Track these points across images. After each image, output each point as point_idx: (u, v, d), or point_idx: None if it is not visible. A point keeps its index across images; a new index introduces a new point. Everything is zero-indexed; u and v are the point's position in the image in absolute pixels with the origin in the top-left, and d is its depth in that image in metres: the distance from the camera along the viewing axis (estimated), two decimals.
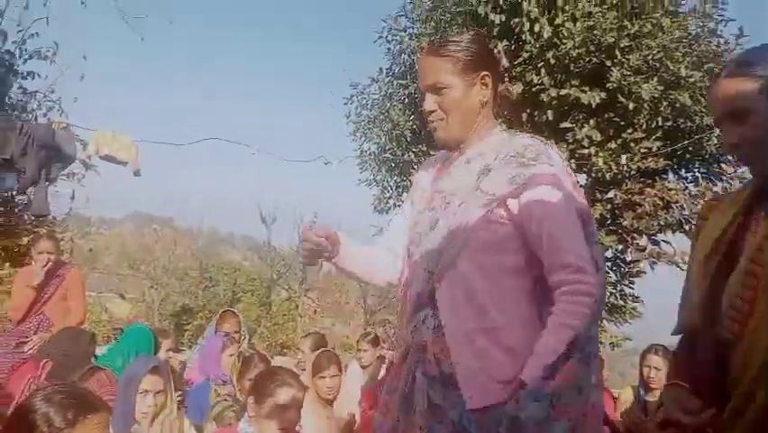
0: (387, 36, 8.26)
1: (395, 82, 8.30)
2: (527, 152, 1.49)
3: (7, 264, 7.49)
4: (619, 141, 6.83)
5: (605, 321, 7.48)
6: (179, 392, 3.28)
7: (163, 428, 2.52)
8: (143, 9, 9.50)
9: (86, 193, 8.50)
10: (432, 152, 7.57)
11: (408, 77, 8.10)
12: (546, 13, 6.75)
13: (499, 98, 1.63)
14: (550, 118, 6.87)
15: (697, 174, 7.65)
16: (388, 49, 8.34)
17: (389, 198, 8.71)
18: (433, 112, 1.56)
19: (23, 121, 6.01)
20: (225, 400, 3.26)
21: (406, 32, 8.23)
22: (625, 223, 7.12)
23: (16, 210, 7.76)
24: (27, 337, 4.01)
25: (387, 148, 8.45)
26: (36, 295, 4.05)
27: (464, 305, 1.45)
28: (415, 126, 8.10)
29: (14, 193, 6.97)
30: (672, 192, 7.00)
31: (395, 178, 8.70)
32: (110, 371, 3.01)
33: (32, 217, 7.40)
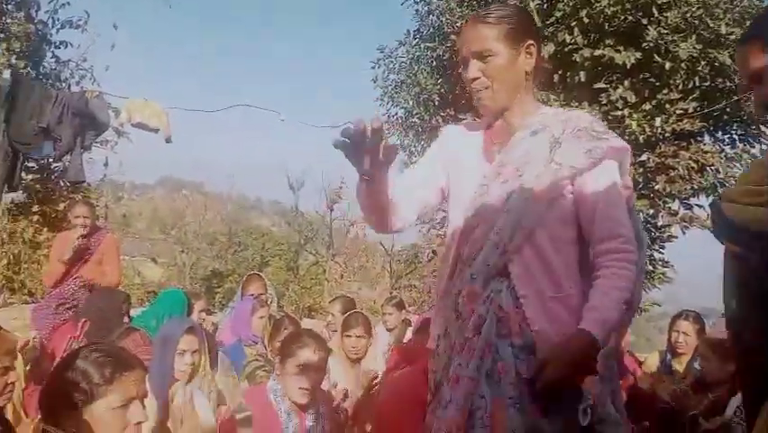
0: None
1: (423, 45, 8.17)
2: (595, 125, 1.56)
3: (45, 229, 7.74)
4: (654, 102, 6.63)
5: None
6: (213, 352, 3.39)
7: (201, 385, 2.61)
8: None
9: (118, 159, 8.68)
10: (461, 117, 7.51)
11: (437, 39, 7.96)
12: None
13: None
14: (583, 79, 6.70)
15: (734, 136, 7.41)
16: (416, 10, 8.18)
17: (417, 163, 8.65)
18: (477, 79, 1.55)
19: (58, 90, 6.11)
20: (257, 360, 3.35)
21: None
22: (657, 187, 6.97)
23: (53, 177, 7.96)
24: (66, 299, 4.17)
25: (414, 112, 8.38)
26: (68, 268, 4.17)
27: (540, 275, 1.50)
28: (443, 90, 7.99)
29: (51, 160, 7.13)
30: (708, 155, 6.81)
31: (422, 142, 8.64)
32: (144, 331, 3.10)
33: (68, 184, 7.58)
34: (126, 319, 3.70)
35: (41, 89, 5.41)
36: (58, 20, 7.83)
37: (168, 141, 5.37)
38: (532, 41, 1.57)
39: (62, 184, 7.93)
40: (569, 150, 1.52)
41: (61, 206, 7.59)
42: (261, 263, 17.20)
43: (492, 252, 1.52)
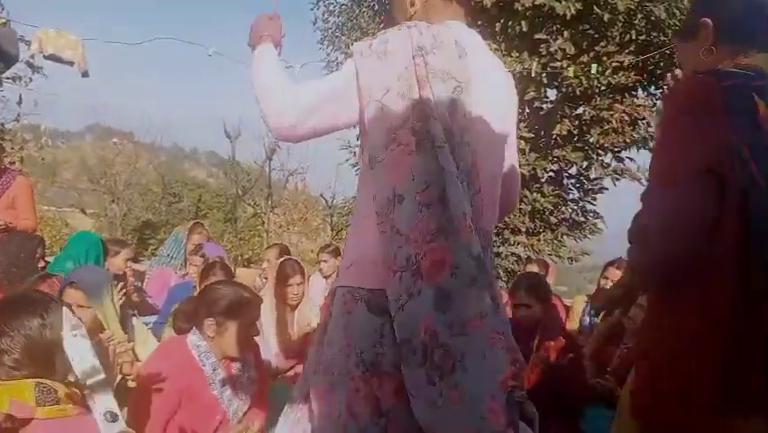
0: None
1: None
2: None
3: None
4: (592, 54, 6.69)
5: (564, 236, 7.62)
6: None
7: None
8: None
9: (33, 98, 7.98)
10: None
11: None
12: None
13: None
14: (524, 29, 6.65)
15: (666, 90, 7.62)
16: None
17: None
18: None
19: None
20: None
21: None
22: (591, 140, 7.12)
23: None
24: None
25: None
26: None
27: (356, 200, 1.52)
28: None
29: None
30: (640, 108, 6.98)
31: None
32: (61, 276, 2.94)
33: None
34: (42, 264, 3.51)
35: None
36: None
37: (84, 75, 4.94)
38: None
39: None
40: None
41: None
42: (197, 216, 16.72)
43: None
